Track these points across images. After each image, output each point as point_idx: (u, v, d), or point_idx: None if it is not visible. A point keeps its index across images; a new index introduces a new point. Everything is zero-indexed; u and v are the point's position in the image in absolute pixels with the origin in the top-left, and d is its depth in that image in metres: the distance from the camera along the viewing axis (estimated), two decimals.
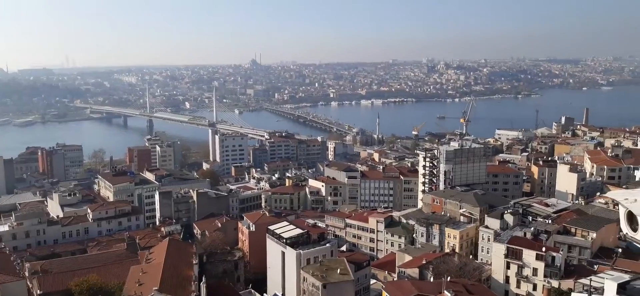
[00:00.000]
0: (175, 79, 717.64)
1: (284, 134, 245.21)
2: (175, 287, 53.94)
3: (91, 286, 57.03)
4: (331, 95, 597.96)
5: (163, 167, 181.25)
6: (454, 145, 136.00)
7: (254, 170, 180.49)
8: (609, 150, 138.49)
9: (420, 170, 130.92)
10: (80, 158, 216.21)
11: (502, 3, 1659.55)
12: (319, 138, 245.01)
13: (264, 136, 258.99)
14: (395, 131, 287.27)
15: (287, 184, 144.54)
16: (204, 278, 59.24)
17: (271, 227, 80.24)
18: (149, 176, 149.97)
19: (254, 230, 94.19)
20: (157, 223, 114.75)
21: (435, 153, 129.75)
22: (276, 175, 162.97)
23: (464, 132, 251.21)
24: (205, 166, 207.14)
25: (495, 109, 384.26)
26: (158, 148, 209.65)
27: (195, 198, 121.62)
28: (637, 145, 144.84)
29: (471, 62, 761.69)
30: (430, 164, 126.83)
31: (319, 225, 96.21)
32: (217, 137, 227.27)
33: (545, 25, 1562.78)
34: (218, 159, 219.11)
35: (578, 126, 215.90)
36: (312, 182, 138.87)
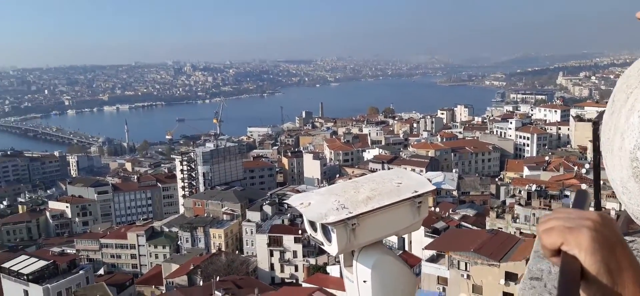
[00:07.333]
0: None
1: (9, 152, 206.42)
2: None
3: None
4: (67, 103, 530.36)
5: None
6: (210, 145, 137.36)
7: None
8: (342, 137, 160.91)
9: (179, 175, 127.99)
10: None
11: (238, 7, 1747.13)
12: (57, 153, 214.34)
13: None
14: (148, 137, 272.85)
15: (21, 211, 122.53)
16: None
17: (6, 265, 67.37)
18: None
19: None
20: None
21: (192, 156, 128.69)
22: (5, 202, 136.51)
23: (218, 132, 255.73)
24: None
25: (244, 108, 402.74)
26: None
27: None
28: (362, 131, 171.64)
29: (217, 64, 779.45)
30: (188, 167, 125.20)
31: (68, 252, 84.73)
32: None
33: (281, 29, 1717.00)
34: None
35: (316, 118, 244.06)
36: (54, 204, 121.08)
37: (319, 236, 2.81)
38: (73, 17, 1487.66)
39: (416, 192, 2.83)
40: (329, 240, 2.73)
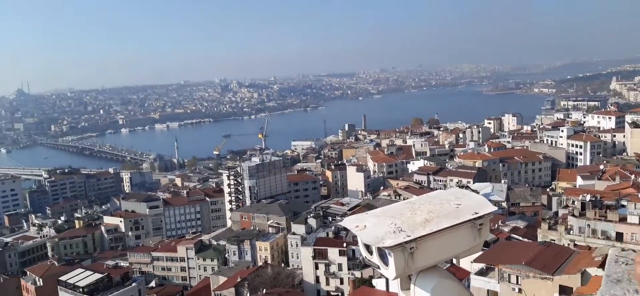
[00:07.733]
0: None
1: (67, 170, 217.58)
2: None
3: None
4: (120, 122, 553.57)
5: None
6: (256, 160, 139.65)
7: (33, 216, 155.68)
8: (386, 149, 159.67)
9: (226, 189, 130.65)
10: None
11: (282, 24, 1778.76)
12: (111, 170, 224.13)
13: (42, 175, 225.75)
14: (196, 153, 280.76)
15: (77, 226, 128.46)
16: None
17: (63, 278, 70.65)
18: None
19: (41, 284, 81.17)
20: None
21: (239, 170, 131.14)
22: (63, 218, 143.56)
23: (263, 146, 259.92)
24: None
25: (288, 122, 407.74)
26: None
27: None
28: (406, 143, 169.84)
29: (262, 80, 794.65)
30: (235, 181, 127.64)
31: (121, 264, 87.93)
32: None
33: (323, 43, 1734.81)
34: None
35: (359, 131, 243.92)
36: (108, 219, 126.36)
37: (375, 259, 2.76)
38: (127, 39, 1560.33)
39: (477, 213, 2.74)
40: (386, 263, 2.65)
